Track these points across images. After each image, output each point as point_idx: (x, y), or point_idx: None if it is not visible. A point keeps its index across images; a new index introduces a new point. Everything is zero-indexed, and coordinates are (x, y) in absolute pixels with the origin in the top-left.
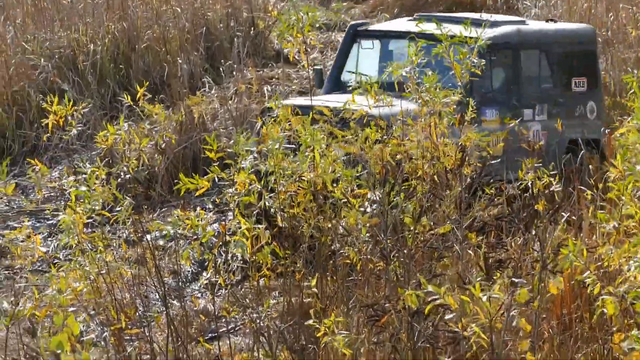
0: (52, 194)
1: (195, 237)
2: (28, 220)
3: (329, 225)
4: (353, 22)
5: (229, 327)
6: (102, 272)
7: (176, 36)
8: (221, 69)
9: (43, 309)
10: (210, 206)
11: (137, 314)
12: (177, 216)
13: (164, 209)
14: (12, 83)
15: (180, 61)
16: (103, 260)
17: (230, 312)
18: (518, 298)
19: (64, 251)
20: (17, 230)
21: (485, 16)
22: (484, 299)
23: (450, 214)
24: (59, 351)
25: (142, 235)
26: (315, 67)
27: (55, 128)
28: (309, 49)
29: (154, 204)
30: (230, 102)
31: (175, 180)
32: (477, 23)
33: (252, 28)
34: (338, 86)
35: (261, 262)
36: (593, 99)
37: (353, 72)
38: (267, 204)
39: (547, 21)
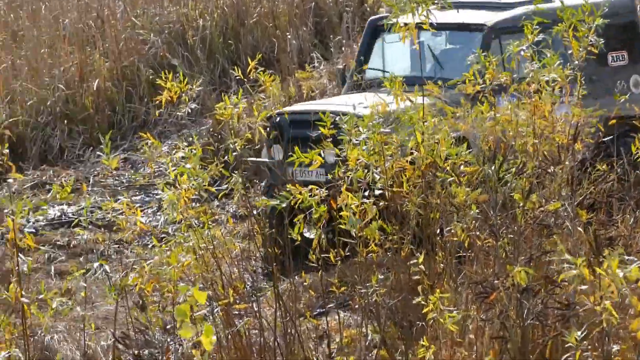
0: (161, 168)
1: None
2: (138, 195)
3: (438, 202)
4: (372, 17)
5: (337, 302)
6: (209, 247)
7: (285, 11)
8: (330, 44)
9: (148, 282)
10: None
11: (246, 288)
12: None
13: None
14: (122, 58)
15: (289, 36)
16: (210, 235)
17: (339, 288)
18: (629, 277)
19: (172, 225)
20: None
21: None
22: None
23: (561, 190)
24: (171, 324)
25: (251, 211)
26: (337, 66)
27: (165, 103)
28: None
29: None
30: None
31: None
32: (486, 6)
33: (361, 3)
34: (359, 85)
35: (369, 237)
36: (638, 71)
37: (376, 70)
38: (374, 180)
39: None
